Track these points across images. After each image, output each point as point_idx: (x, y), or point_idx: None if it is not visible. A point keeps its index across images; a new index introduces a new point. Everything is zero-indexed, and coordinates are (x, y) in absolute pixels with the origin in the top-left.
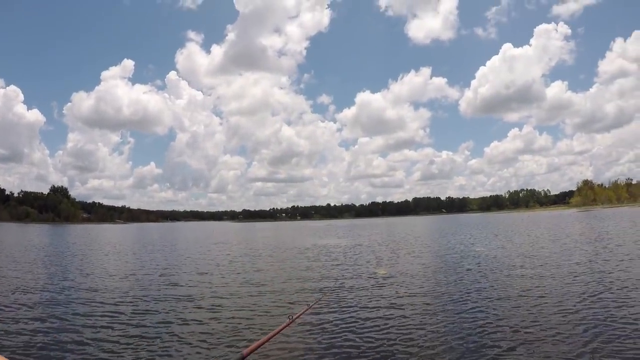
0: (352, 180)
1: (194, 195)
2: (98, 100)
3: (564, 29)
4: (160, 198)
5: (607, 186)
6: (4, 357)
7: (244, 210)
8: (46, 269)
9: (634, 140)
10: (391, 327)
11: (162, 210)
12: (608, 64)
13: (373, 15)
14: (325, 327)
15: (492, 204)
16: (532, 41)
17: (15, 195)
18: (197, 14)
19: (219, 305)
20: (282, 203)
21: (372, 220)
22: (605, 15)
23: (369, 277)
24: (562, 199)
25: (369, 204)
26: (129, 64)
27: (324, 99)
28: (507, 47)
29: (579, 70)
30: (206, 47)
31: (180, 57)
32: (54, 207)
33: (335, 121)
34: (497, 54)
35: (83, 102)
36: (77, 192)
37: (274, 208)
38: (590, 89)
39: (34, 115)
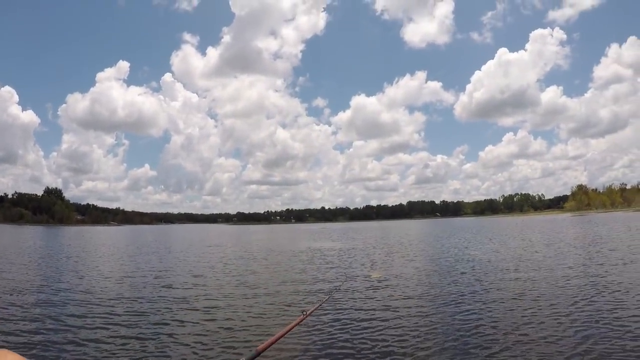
0: (347, 184)
1: (188, 197)
2: (93, 101)
3: (559, 34)
4: (154, 200)
5: (601, 191)
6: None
7: (239, 213)
8: (41, 271)
9: (628, 145)
10: (388, 330)
11: (157, 213)
12: (603, 70)
13: (369, 19)
14: (324, 330)
15: (487, 208)
16: (527, 46)
17: (9, 196)
18: (193, 16)
19: (214, 307)
20: (276, 206)
21: (366, 224)
22: (601, 21)
23: (363, 281)
24: (557, 203)
25: (363, 208)
26: (124, 65)
27: (319, 102)
28: (502, 52)
29: (574, 76)
30: (202, 49)
31: (176, 59)
32: (48, 208)
33: (330, 124)
34: (493, 59)
35: (78, 103)
36: (72, 193)
37: (268, 211)
38: (585, 94)
39: (29, 117)
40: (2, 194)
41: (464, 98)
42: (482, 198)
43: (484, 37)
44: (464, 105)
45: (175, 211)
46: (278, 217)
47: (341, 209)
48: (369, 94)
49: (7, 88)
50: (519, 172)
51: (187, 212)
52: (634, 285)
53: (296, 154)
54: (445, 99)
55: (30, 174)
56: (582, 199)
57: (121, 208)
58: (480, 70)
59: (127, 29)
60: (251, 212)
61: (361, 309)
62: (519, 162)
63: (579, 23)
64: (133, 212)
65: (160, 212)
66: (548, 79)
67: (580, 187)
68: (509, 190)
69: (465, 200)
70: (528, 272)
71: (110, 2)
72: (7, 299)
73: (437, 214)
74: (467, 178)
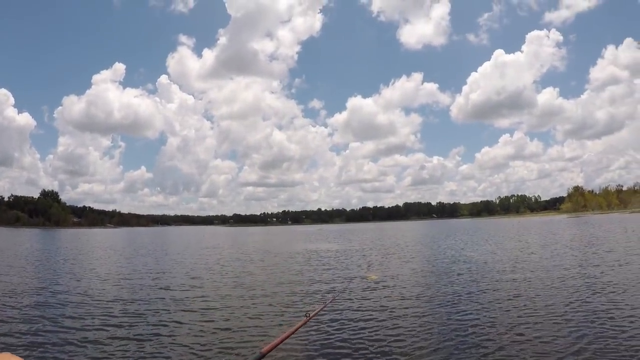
0: (343, 185)
1: (184, 199)
2: (89, 104)
3: (555, 35)
4: (151, 202)
5: (597, 192)
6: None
7: (235, 215)
8: (38, 274)
9: (624, 147)
10: (387, 331)
11: (153, 215)
12: (599, 71)
13: (365, 20)
14: (325, 331)
15: (483, 209)
16: (523, 47)
17: (6, 199)
18: (189, 18)
19: (213, 308)
20: (272, 208)
21: (362, 225)
22: (597, 23)
23: (360, 282)
24: (553, 204)
25: (359, 209)
26: (120, 67)
27: (315, 103)
28: (498, 53)
29: (570, 77)
30: (198, 51)
31: (172, 61)
32: (44, 211)
33: (326, 126)
34: (489, 60)
35: (74, 105)
36: (68, 196)
37: (264, 212)
38: (581, 96)
39: (25, 119)
40: None
41: (460, 99)
42: (479, 199)
43: (480, 38)
44: (460, 107)
45: (171, 213)
46: (274, 219)
47: (337, 210)
48: (365, 96)
49: (3, 91)
50: (515, 174)
51: (183, 214)
52: (629, 287)
53: (292, 155)
54: (441, 101)
55: (26, 176)
56: (578, 201)
57: (117, 210)
58: (476, 71)
59: (123, 31)
60: (247, 213)
61: (359, 310)
62: (515, 164)
63: (575, 24)
64: (129, 214)
65: (157, 214)
66: (544, 81)
67: (577, 189)
68: (505, 192)
69: (462, 202)
70: (524, 274)
71: (106, 4)
72: (5, 301)
73: (434, 215)
74: (463, 179)
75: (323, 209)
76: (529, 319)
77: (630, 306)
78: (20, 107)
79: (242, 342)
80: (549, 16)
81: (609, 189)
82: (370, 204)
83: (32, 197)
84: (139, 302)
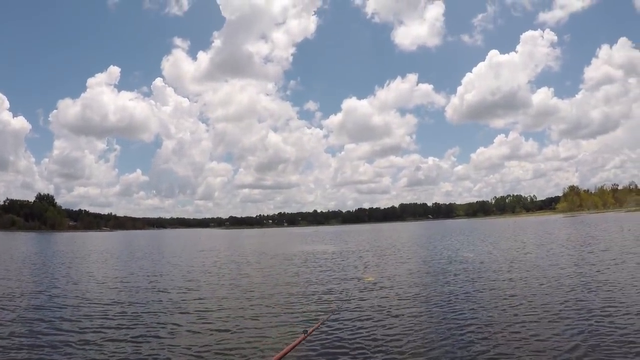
0: (339, 187)
1: (180, 202)
2: (84, 107)
3: (550, 35)
4: (146, 205)
5: (593, 192)
6: None
7: (231, 217)
8: (34, 277)
9: (619, 146)
10: (386, 330)
11: (149, 218)
12: (594, 71)
13: (359, 22)
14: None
15: (479, 209)
16: (518, 48)
17: (1, 203)
18: (184, 21)
19: (209, 311)
20: (268, 209)
21: (358, 227)
22: (591, 22)
23: (356, 284)
24: (549, 204)
25: (355, 210)
26: (115, 70)
27: (311, 105)
28: (493, 54)
29: (564, 77)
30: (192, 53)
31: (167, 64)
32: (40, 215)
33: (321, 127)
34: (484, 61)
35: (69, 109)
36: (63, 199)
37: (260, 215)
38: (576, 96)
39: (20, 123)
40: None
41: (455, 100)
42: (474, 200)
43: (475, 39)
44: (455, 108)
45: (167, 216)
46: (270, 221)
47: (333, 212)
48: (360, 97)
49: None
50: (510, 174)
51: (179, 216)
52: (625, 285)
53: (288, 157)
54: (436, 101)
55: (21, 180)
56: (574, 200)
57: (113, 213)
58: (471, 72)
59: (118, 34)
60: (243, 216)
61: (357, 310)
62: (510, 164)
63: (569, 24)
64: (125, 217)
65: (153, 217)
66: (539, 81)
67: (572, 188)
68: (500, 192)
69: (457, 202)
70: (520, 273)
71: (100, 7)
72: (2, 305)
73: (429, 216)
74: (458, 180)
75: (319, 211)
76: (525, 317)
77: (626, 304)
78: (15, 110)
79: (240, 344)
80: (543, 16)
81: (604, 188)
82: (366, 205)
83: (28, 200)
84: (136, 305)
